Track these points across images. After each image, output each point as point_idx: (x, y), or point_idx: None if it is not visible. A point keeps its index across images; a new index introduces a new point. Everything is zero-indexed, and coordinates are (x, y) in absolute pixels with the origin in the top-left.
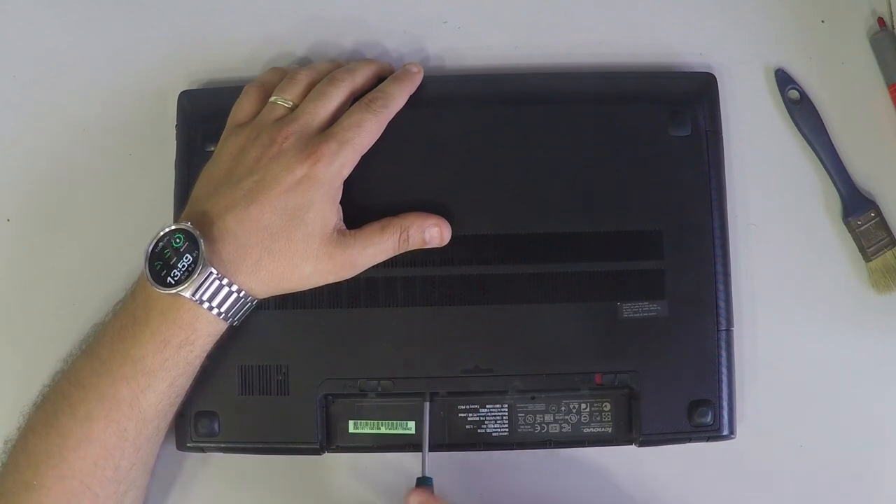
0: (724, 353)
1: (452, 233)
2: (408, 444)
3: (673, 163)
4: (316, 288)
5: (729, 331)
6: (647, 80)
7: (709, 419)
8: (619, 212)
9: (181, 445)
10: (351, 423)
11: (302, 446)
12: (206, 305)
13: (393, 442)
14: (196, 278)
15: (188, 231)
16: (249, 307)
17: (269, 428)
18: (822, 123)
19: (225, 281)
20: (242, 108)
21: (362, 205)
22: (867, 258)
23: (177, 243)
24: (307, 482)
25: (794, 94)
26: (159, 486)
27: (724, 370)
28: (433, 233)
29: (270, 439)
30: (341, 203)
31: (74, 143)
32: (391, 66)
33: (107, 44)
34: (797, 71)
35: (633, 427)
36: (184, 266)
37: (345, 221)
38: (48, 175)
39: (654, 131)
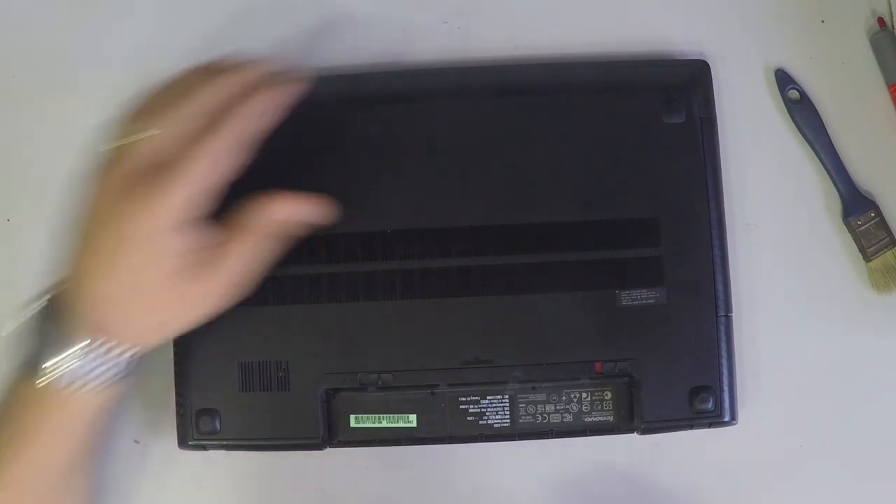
0: (723, 339)
1: (450, 225)
2: (409, 438)
3: (668, 150)
4: (314, 283)
5: (728, 316)
6: (640, 68)
7: (710, 405)
8: (615, 200)
9: (182, 444)
10: (352, 417)
11: (304, 442)
12: (86, 377)
13: (395, 435)
14: (68, 354)
15: (47, 305)
16: (135, 363)
17: (271, 424)
18: (822, 123)
19: (101, 347)
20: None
21: (359, 200)
22: (867, 258)
23: (38, 322)
24: (309, 477)
25: (794, 94)
26: (160, 487)
27: (724, 356)
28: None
29: (272, 435)
30: (339, 201)
31: (74, 143)
32: (270, 66)
33: (107, 43)
34: (797, 71)
35: (634, 415)
36: (52, 345)
37: (337, 218)
38: (48, 175)
39: (648, 119)
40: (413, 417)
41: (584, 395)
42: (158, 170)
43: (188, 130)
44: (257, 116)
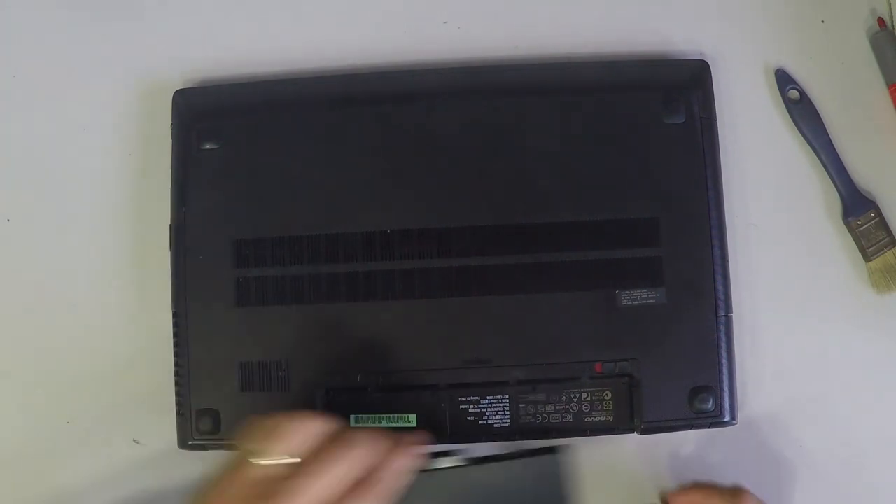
0: (723, 339)
1: (450, 225)
2: None
3: (668, 150)
4: (315, 282)
5: (728, 316)
6: (640, 68)
7: (710, 405)
8: (615, 200)
9: (182, 444)
10: (352, 417)
11: None
12: None
13: None
14: None
15: None
16: None
17: None
18: (822, 123)
19: None
20: (252, 442)
21: (359, 200)
22: (867, 258)
23: None
24: None
25: (794, 94)
26: (161, 486)
27: (724, 356)
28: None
29: None
30: (340, 201)
31: (74, 143)
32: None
33: (106, 43)
34: (797, 71)
35: (634, 415)
36: None
37: (337, 218)
38: (48, 175)
39: (648, 119)
40: (413, 417)
41: (584, 395)
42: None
43: (334, 482)
44: (399, 479)
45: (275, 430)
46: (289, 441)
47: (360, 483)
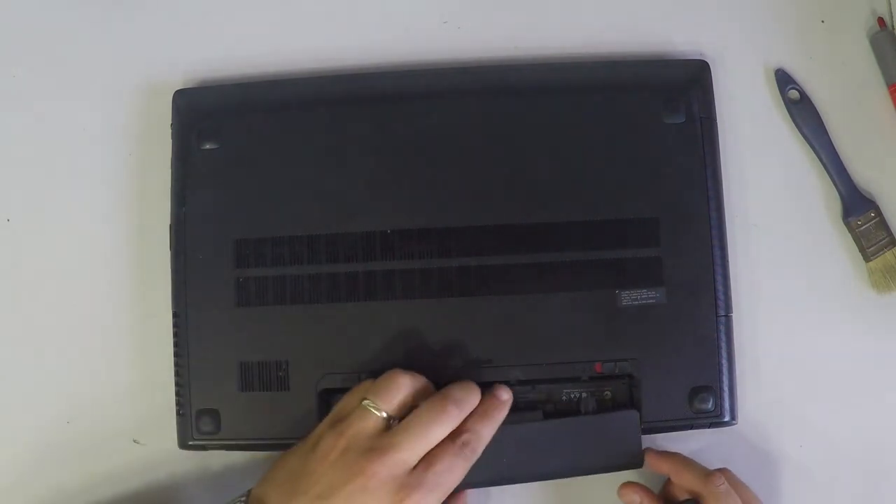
0: (723, 339)
1: (450, 225)
2: None
3: (668, 150)
4: (315, 282)
5: (728, 316)
6: (640, 68)
7: (710, 405)
8: (615, 200)
9: (182, 444)
10: None
11: None
12: None
13: None
14: None
15: None
16: None
17: (271, 424)
18: (822, 123)
19: None
20: (350, 404)
21: (359, 200)
22: (867, 258)
23: None
24: None
25: (794, 94)
26: (161, 487)
27: (724, 356)
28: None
29: (272, 435)
30: (339, 201)
31: (74, 142)
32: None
33: (106, 43)
34: (797, 71)
35: None
36: None
37: (337, 218)
38: (48, 175)
39: (648, 119)
40: None
41: (584, 395)
42: (417, 479)
43: (433, 436)
44: (490, 436)
45: (381, 387)
46: (395, 397)
47: (454, 435)
